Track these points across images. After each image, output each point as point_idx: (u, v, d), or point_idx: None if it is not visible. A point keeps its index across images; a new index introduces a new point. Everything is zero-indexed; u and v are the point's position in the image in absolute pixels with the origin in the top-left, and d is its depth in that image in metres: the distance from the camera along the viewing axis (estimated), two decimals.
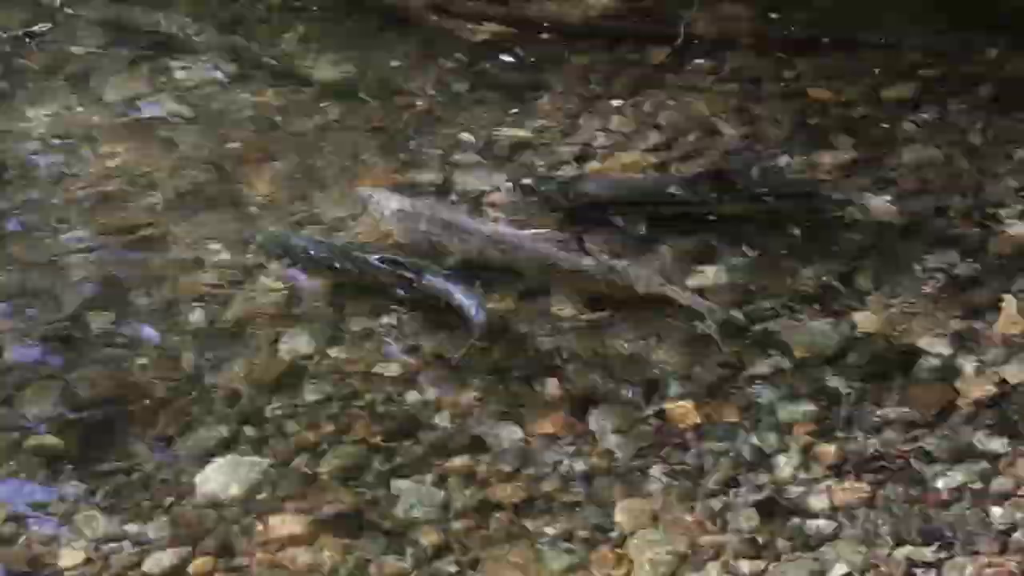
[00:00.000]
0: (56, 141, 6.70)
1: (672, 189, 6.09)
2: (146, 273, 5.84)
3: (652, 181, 6.34)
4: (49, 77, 7.23)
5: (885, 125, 6.76)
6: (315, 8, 7.78)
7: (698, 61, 7.24)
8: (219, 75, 7.21)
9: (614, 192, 6.19)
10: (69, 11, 7.72)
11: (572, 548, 4.65)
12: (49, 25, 7.62)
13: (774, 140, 6.66)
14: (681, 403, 5.19)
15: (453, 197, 6.28)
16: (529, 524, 4.75)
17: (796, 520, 4.75)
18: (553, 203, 6.11)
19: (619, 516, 4.76)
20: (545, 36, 7.49)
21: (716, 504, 4.80)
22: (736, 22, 7.48)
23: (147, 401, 5.21)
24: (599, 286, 5.68)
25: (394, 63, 7.30)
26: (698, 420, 5.11)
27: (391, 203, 6.02)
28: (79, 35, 7.55)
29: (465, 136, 6.69)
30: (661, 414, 5.15)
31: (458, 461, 4.97)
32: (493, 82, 7.16)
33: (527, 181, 6.23)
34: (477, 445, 5.04)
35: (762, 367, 5.34)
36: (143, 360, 5.40)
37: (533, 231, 5.94)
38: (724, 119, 6.78)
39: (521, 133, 6.72)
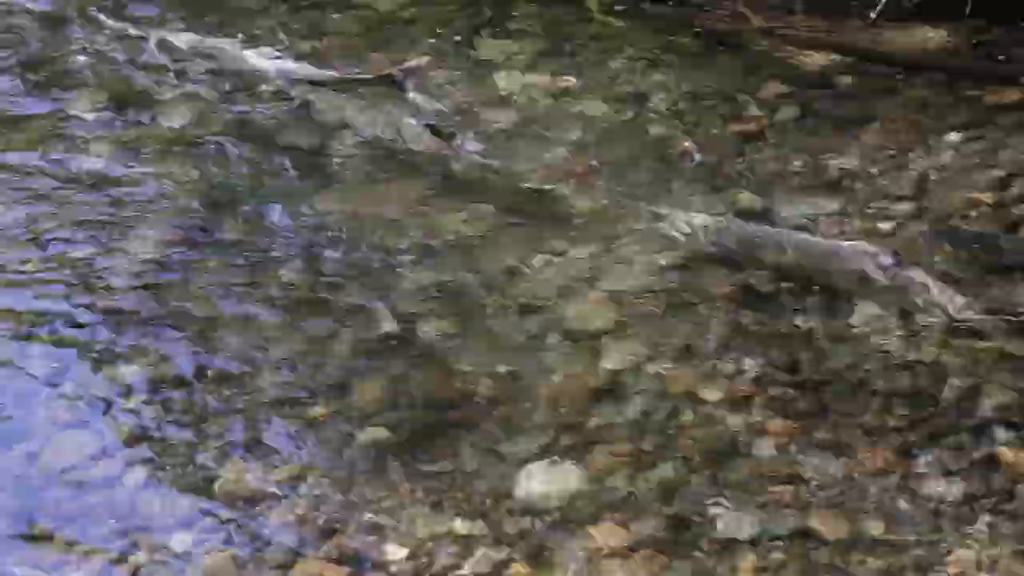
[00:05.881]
0: None
1: None
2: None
3: None
4: None
5: None
6: (640, 29, 7.80)
7: None
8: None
9: None
10: None
11: None
12: None
13: None
14: (1013, 448, 5.01)
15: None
16: (851, 560, 4.65)
17: None
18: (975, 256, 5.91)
19: (949, 561, 4.62)
20: (878, 67, 7.35)
21: None
22: None
23: (473, 403, 5.29)
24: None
25: (722, 86, 7.27)
26: None
27: (697, 219, 6.04)
28: None
29: (793, 162, 6.62)
30: (992, 458, 4.99)
31: (779, 489, 4.89)
32: (822, 109, 7.05)
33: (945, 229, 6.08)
34: (799, 474, 4.95)
35: None
36: (470, 362, 5.49)
37: (849, 241, 5.86)
38: None
39: (849, 163, 6.59)
